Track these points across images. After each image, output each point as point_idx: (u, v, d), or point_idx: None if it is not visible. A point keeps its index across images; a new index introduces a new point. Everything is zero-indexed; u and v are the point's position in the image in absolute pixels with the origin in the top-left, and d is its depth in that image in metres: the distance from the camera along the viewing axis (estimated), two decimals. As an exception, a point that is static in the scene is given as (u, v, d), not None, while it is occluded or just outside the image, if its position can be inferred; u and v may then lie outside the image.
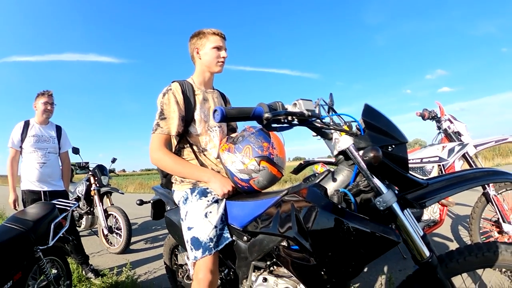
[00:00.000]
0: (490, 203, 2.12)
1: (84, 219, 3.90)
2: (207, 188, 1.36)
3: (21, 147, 2.56)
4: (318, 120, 0.93)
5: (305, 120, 0.88)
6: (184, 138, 1.44)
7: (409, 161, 2.17)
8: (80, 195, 3.87)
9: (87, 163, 3.93)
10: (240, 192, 1.34)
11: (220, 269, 1.45)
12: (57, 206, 1.97)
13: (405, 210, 0.89)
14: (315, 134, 1.00)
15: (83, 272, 2.70)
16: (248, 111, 0.82)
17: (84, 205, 3.85)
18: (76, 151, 3.48)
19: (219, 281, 1.42)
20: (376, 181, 0.87)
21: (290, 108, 0.87)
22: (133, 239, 3.68)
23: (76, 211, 3.80)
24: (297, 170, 2.61)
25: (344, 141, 0.92)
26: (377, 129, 0.92)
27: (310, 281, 0.97)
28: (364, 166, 0.87)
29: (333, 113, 1.01)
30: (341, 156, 1.00)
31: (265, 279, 1.16)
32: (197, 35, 1.47)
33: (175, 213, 1.50)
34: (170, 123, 1.36)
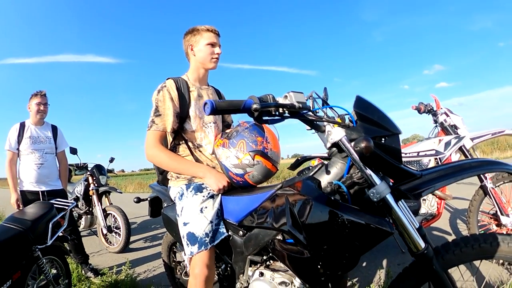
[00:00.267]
0: (487, 196, 2.12)
1: (83, 219, 3.90)
2: (203, 184, 1.36)
3: (18, 149, 2.57)
4: (310, 113, 0.93)
5: (296, 112, 0.87)
6: (179, 135, 1.44)
7: (405, 155, 2.18)
8: (78, 195, 3.87)
9: (85, 164, 3.93)
10: (235, 187, 1.34)
11: (217, 264, 1.45)
12: (55, 205, 1.97)
13: (400, 202, 0.89)
14: (308, 128, 1.00)
15: (83, 272, 2.70)
16: (239, 103, 0.82)
17: (83, 205, 3.86)
18: (74, 151, 3.48)
19: (216, 276, 1.42)
20: (369, 172, 0.87)
21: (281, 101, 0.87)
22: (132, 238, 3.69)
23: (75, 211, 3.81)
24: (294, 166, 2.61)
25: (336, 133, 0.91)
26: (369, 120, 0.92)
27: (305, 274, 0.97)
28: (356, 157, 0.87)
29: (325, 105, 1.00)
30: (334, 149, 1.00)
31: (261, 274, 1.16)
32: (191, 32, 1.47)
33: (172, 210, 1.50)
34: (165, 120, 1.36)
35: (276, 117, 0.87)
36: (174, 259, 1.89)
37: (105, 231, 3.51)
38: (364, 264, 2.33)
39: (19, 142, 2.55)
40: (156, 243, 3.72)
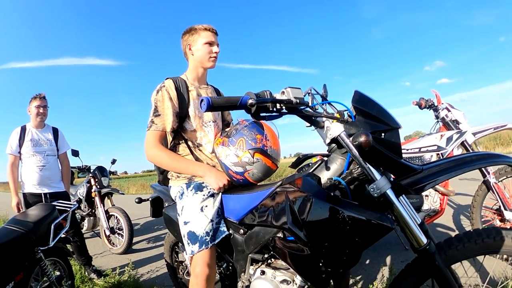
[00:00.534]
0: (491, 191, 2.10)
1: (86, 221, 3.91)
2: (203, 183, 1.35)
3: (19, 152, 2.58)
4: (309, 109, 0.92)
5: (294, 108, 0.87)
6: (179, 134, 1.44)
7: (407, 151, 2.16)
8: (81, 197, 3.88)
9: (88, 166, 3.95)
10: (236, 185, 1.34)
11: (219, 263, 1.45)
12: (57, 207, 1.98)
13: (401, 197, 0.88)
14: (308, 124, 0.99)
15: (86, 273, 2.71)
16: (235, 100, 0.81)
17: (85, 207, 3.87)
18: (75, 153, 3.49)
19: (217, 275, 1.42)
20: (369, 167, 0.86)
21: (278, 96, 0.87)
22: (135, 239, 3.70)
23: (78, 213, 3.82)
24: (296, 164, 2.60)
25: (335, 129, 0.91)
26: (368, 115, 0.91)
27: (306, 272, 0.97)
28: (356, 152, 0.86)
29: (323, 101, 1.00)
30: (334, 145, 0.99)
31: (262, 272, 1.16)
32: (189, 32, 1.47)
33: (173, 209, 1.50)
34: (164, 120, 1.36)
35: (274, 113, 0.86)
36: (176, 259, 1.89)
37: (108, 233, 3.52)
38: (367, 262, 2.32)
39: (20, 145, 2.57)
40: (159, 244, 3.72)
